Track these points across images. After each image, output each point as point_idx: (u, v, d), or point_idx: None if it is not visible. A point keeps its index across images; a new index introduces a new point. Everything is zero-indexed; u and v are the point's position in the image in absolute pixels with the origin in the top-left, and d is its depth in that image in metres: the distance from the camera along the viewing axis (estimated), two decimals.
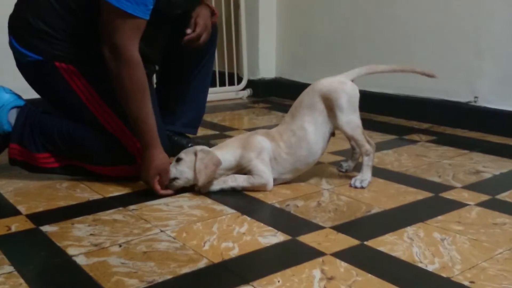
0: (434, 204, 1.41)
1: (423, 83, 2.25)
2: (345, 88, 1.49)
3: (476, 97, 2.27)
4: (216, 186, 1.47)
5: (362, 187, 1.51)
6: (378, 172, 1.64)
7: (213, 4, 2.77)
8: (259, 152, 1.48)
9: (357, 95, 1.51)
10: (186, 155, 1.46)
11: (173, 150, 1.79)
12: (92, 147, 1.52)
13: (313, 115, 1.49)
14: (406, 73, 1.56)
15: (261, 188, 1.48)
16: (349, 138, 1.58)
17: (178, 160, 1.47)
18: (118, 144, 1.52)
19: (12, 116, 1.53)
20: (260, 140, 1.50)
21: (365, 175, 1.53)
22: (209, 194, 1.46)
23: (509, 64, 2.15)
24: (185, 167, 1.44)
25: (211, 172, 1.43)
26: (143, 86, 1.40)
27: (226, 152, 1.49)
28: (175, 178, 1.45)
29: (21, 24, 1.49)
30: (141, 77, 1.40)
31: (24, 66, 1.51)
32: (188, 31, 1.64)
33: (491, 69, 2.20)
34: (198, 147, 1.48)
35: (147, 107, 1.41)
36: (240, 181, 1.48)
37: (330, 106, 1.48)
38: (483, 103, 2.25)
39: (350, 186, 1.53)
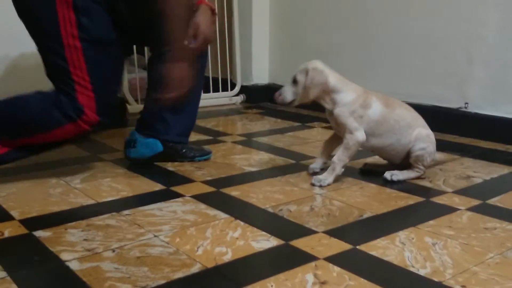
0: (425, 209, 1.42)
1: (414, 89, 2.27)
2: (432, 139, 1.67)
3: (466, 103, 2.29)
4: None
5: (392, 180, 1.62)
6: (370, 177, 1.65)
7: None
8: None
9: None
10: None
11: (169, 156, 1.82)
12: (27, 113, 1.46)
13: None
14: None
15: None
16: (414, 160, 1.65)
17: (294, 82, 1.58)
18: (56, 101, 1.44)
19: None
20: None
21: (401, 174, 1.63)
22: (202, 199, 1.46)
23: (499, 71, 2.17)
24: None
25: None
26: None
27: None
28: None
29: None
30: None
31: None
32: (186, 42, 1.63)
33: (482, 75, 2.23)
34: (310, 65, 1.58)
35: None
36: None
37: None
38: (473, 109, 2.27)
39: (383, 177, 1.63)
